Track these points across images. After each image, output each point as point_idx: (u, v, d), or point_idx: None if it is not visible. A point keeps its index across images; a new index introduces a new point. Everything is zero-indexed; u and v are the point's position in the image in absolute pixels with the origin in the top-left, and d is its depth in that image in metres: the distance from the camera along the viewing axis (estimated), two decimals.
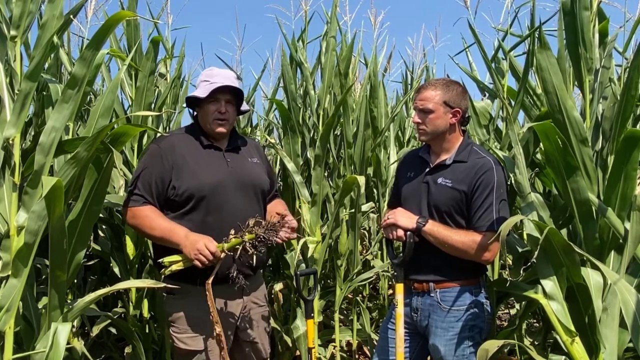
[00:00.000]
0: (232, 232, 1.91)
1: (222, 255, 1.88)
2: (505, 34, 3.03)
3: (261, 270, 2.31)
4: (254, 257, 1.90)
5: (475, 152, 2.02)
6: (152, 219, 1.97)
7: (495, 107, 3.18)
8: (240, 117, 3.55)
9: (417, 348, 2.10)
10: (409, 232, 1.97)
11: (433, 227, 1.95)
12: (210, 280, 1.87)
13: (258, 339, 2.18)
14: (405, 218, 1.99)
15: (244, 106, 2.20)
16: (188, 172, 2.01)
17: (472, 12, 3.10)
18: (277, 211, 2.10)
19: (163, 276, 1.92)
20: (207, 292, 1.87)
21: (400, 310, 1.98)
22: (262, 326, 2.20)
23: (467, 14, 3.10)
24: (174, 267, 1.90)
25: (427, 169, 2.07)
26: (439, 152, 2.07)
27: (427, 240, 1.96)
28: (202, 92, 2.05)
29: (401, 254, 2.03)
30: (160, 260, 1.93)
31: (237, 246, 1.89)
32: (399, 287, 2.01)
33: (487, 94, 3.27)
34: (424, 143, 2.18)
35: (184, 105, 2.29)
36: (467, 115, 2.08)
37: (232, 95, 2.10)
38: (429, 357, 2.14)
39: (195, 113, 2.19)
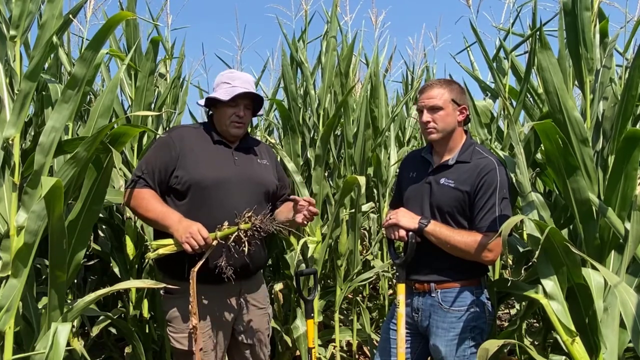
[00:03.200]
0: (226, 223, 1.89)
1: (214, 242, 1.86)
2: (507, 33, 3.02)
3: (261, 271, 2.30)
4: (247, 247, 1.87)
5: (477, 153, 2.01)
6: (150, 202, 1.98)
7: (497, 107, 3.18)
8: None
9: (418, 348, 2.09)
10: (410, 233, 1.96)
11: (435, 228, 1.94)
12: (196, 269, 1.85)
13: (257, 341, 2.17)
14: (407, 218, 1.98)
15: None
16: (193, 162, 2.02)
17: (474, 11, 3.10)
18: (286, 207, 2.11)
19: (148, 259, 1.89)
20: (190, 281, 1.84)
21: (401, 310, 1.98)
22: (262, 329, 2.18)
23: (469, 13, 3.10)
24: (161, 251, 1.88)
25: (430, 170, 2.07)
26: (442, 152, 2.06)
27: (429, 241, 1.96)
28: (223, 94, 2.05)
29: (403, 254, 2.02)
30: (148, 242, 1.92)
31: (231, 235, 1.88)
32: (401, 288, 2.00)
33: (489, 94, 3.27)
34: (426, 143, 2.18)
35: (201, 104, 2.28)
36: (468, 114, 2.08)
37: (250, 100, 2.12)
38: (429, 358, 2.14)
39: (210, 112, 2.20)
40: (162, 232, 1.97)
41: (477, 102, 3.24)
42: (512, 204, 2.09)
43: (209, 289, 1.97)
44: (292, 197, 2.13)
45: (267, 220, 1.90)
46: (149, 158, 2.06)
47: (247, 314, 2.13)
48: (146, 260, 2.92)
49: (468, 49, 3.40)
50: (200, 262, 1.86)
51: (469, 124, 2.23)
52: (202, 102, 2.19)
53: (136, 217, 2.80)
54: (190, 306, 1.85)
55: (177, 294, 1.99)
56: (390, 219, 2.01)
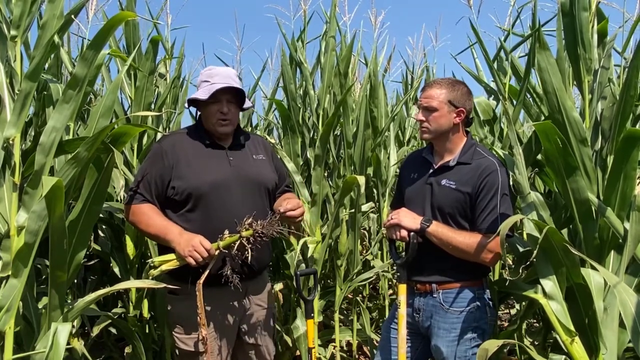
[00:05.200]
0: (227, 232, 1.88)
1: (217, 252, 1.86)
2: (507, 33, 3.03)
3: (265, 271, 2.30)
4: (249, 254, 1.87)
5: (478, 154, 2.01)
6: (150, 217, 1.97)
7: (500, 108, 3.18)
8: (240, 117, 3.55)
9: (418, 348, 2.09)
10: (412, 233, 1.96)
11: (437, 228, 1.94)
12: (201, 281, 1.85)
13: (262, 341, 2.16)
14: (409, 219, 1.98)
15: (247, 103, 2.17)
16: (188, 170, 2.01)
17: (475, 12, 3.11)
18: (281, 202, 2.08)
19: (151, 277, 1.88)
20: (197, 293, 1.84)
21: (402, 311, 1.98)
22: (266, 329, 2.18)
23: (470, 13, 3.11)
24: (164, 267, 1.87)
25: (431, 170, 2.07)
26: (442, 152, 2.07)
27: (431, 241, 1.96)
28: (202, 93, 2.03)
29: (404, 255, 2.03)
30: (149, 260, 1.91)
31: (233, 243, 1.87)
32: (402, 288, 2.00)
33: (492, 95, 3.28)
34: (427, 143, 2.18)
35: (186, 106, 2.29)
36: (470, 117, 2.08)
37: (233, 94, 2.08)
38: (429, 359, 2.14)
39: (198, 114, 2.18)
40: (165, 246, 1.96)
41: (477, 98, 3.24)
42: (513, 204, 2.10)
43: (215, 292, 1.96)
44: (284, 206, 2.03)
45: (268, 225, 1.89)
46: (143, 171, 2.04)
47: (252, 315, 2.12)
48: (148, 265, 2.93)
49: (472, 49, 3.40)
50: (205, 274, 1.85)
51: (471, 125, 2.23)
52: (187, 104, 2.18)
53: None
54: (198, 317, 1.85)
55: (182, 294, 1.98)
56: (392, 219, 2.00)
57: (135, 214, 2.00)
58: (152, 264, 1.89)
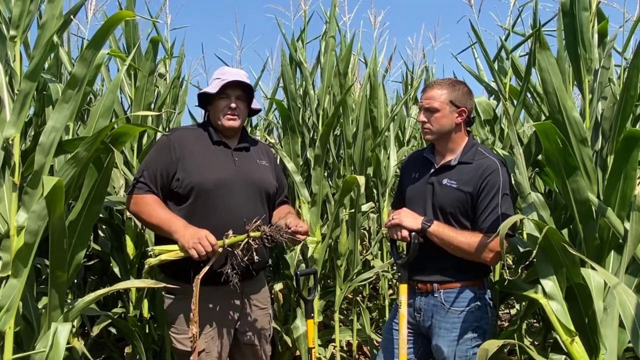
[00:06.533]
0: (230, 232, 1.88)
1: (220, 249, 1.85)
2: (507, 33, 3.03)
3: (263, 272, 2.30)
4: (254, 255, 1.86)
5: (480, 153, 2.01)
6: (153, 208, 1.97)
7: (500, 108, 3.18)
8: None
9: (420, 349, 2.10)
10: (413, 233, 1.96)
11: (438, 228, 1.94)
12: (200, 277, 1.84)
13: (258, 341, 2.17)
14: (410, 219, 1.98)
15: (255, 104, 2.21)
16: (193, 165, 2.02)
17: (476, 11, 3.10)
18: (288, 217, 2.08)
19: (148, 265, 1.86)
20: (194, 288, 1.83)
21: (403, 311, 1.98)
22: (263, 329, 2.19)
23: (471, 12, 3.11)
24: (164, 257, 1.86)
25: (432, 170, 2.07)
26: (443, 152, 2.07)
27: (432, 241, 1.96)
28: (212, 88, 2.08)
29: (405, 255, 2.02)
30: (149, 248, 1.90)
31: (239, 243, 1.87)
32: (403, 288, 2.00)
33: (493, 95, 3.28)
34: (428, 143, 2.18)
35: (196, 105, 2.30)
36: (472, 116, 2.08)
37: (242, 92, 2.11)
38: (431, 359, 2.14)
39: (207, 112, 2.20)
40: (163, 238, 1.95)
41: (477, 98, 3.24)
42: (514, 204, 2.10)
43: (213, 291, 1.96)
44: (291, 227, 2.01)
45: (275, 230, 1.90)
46: (149, 162, 2.04)
47: (249, 315, 2.13)
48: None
49: (472, 48, 3.39)
50: (205, 270, 1.85)
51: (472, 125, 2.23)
52: (197, 102, 2.20)
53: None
54: (191, 314, 1.84)
55: (179, 294, 1.99)
56: (393, 219, 2.01)
57: (138, 204, 2.00)
58: (151, 253, 1.88)
